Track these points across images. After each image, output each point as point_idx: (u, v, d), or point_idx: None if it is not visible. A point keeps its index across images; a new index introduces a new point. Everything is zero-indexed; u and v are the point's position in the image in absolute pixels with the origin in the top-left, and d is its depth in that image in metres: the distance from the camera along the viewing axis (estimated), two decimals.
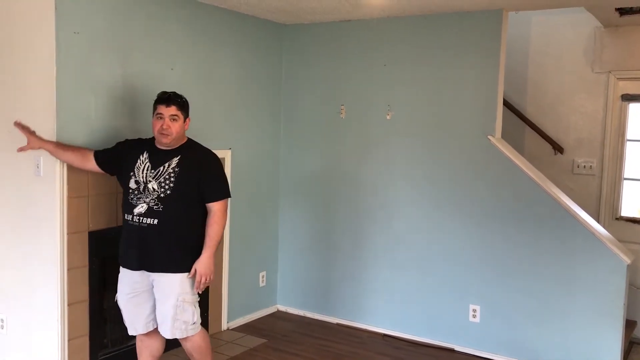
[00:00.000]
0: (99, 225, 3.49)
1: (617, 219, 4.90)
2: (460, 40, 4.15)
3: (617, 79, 4.81)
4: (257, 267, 4.86)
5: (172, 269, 3.01)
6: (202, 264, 3.02)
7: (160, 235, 2.98)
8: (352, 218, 4.67)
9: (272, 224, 4.97)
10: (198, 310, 3.11)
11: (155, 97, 3.08)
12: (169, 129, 2.99)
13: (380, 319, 4.60)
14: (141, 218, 2.99)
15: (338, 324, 4.77)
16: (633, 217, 4.89)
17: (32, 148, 3.26)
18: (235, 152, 4.45)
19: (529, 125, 5.11)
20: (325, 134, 4.76)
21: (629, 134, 4.87)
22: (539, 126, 5.09)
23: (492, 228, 4.10)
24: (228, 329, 4.57)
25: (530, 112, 5.15)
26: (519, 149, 4.91)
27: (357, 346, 4.34)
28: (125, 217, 3.06)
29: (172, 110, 2.99)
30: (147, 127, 3.74)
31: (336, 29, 4.64)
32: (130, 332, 3.20)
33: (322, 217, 4.83)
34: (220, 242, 3.16)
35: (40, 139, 3.24)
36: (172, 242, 3.00)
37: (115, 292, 3.19)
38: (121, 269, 3.14)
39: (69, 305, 3.36)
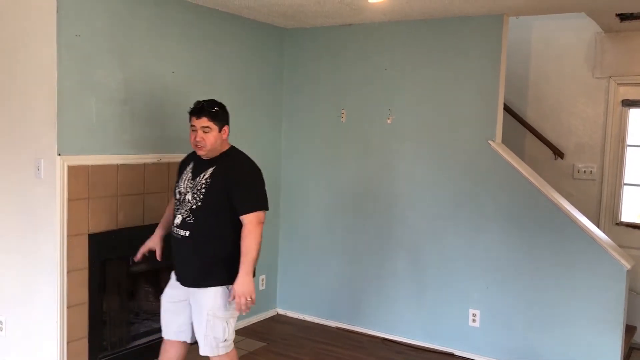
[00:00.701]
0: (99, 227, 3.48)
1: (617, 224, 4.91)
2: (461, 44, 4.16)
3: (618, 84, 4.81)
4: (256, 271, 4.84)
5: (204, 282, 2.88)
6: (238, 283, 2.83)
7: (193, 247, 2.87)
8: (351, 221, 4.67)
9: (272, 227, 4.96)
10: (230, 327, 2.95)
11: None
12: (203, 141, 2.86)
13: (380, 323, 4.59)
14: (177, 230, 2.90)
15: (338, 328, 4.76)
16: (633, 223, 4.89)
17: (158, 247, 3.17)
18: None
19: (529, 130, 5.11)
20: (326, 138, 4.76)
21: (629, 140, 4.88)
22: (540, 131, 5.10)
23: (492, 233, 4.10)
24: None
25: (531, 117, 5.16)
26: (520, 153, 4.91)
27: (357, 350, 4.34)
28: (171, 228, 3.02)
29: (204, 121, 2.85)
30: (146, 130, 3.75)
31: (337, 33, 4.64)
32: (163, 334, 3.11)
33: (321, 221, 4.83)
34: (257, 258, 2.93)
35: (152, 238, 3.17)
36: (203, 256, 2.88)
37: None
38: None
39: (68, 307, 3.35)
